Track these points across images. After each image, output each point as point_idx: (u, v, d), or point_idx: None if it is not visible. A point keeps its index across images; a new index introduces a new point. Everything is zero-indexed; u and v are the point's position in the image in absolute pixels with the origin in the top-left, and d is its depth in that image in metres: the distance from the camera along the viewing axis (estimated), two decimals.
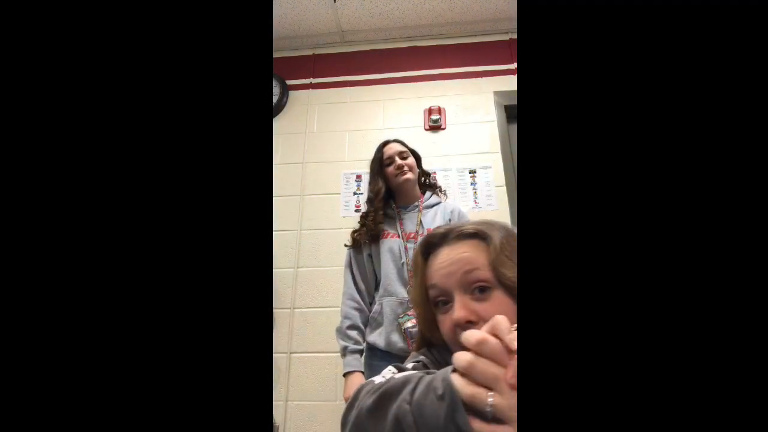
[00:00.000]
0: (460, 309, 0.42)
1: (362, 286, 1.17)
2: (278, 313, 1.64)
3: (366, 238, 1.16)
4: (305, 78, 2.12)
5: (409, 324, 1.04)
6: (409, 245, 1.14)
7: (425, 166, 1.83)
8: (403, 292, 1.09)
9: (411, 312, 1.04)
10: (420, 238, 1.15)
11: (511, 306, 0.41)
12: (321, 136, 1.98)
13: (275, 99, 2.03)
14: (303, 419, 1.50)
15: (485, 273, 0.43)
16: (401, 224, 1.18)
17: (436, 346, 0.50)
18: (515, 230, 0.48)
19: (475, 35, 2.12)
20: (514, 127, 1.93)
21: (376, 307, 1.13)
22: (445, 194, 1.34)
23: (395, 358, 1.04)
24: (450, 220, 1.20)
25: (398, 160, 1.22)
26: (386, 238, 1.15)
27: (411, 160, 1.25)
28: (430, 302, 0.47)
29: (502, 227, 0.47)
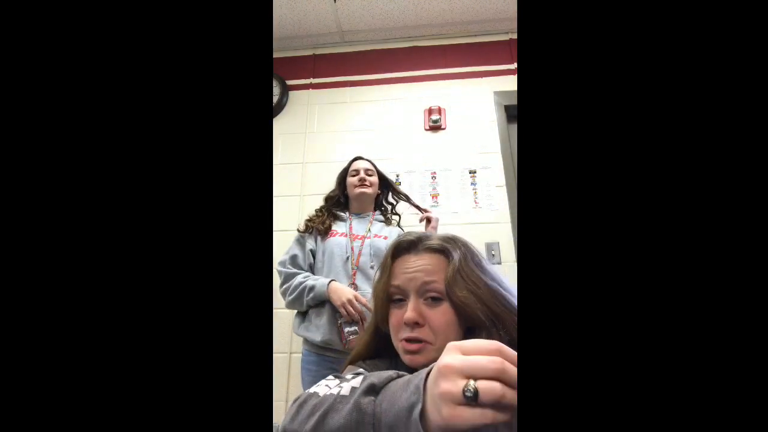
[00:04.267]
0: (412, 310, 0.50)
1: (301, 263, 1.25)
2: (278, 313, 1.64)
3: (318, 227, 1.28)
4: (305, 78, 2.12)
5: (346, 320, 1.11)
6: (355, 245, 1.25)
7: (424, 166, 1.85)
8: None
9: None
10: (367, 241, 1.24)
11: (454, 318, 0.49)
12: (321, 136, 1.98)
13: (275, 99, 2.03)
14: None
15: (440, 286, 0.50)
16: (351, 227, 1.31)
17: (373, 359, 0.57)
18: (473, 248, 0.56)
19: (475, 35, 2.12)
20: (514, 127, 1.93)
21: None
22: (398, 225, 1.44)
23: (330, 352, 1.13)
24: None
25: (362, 173, 1.36)
26: (334, 236, 1.27)
27: (374, 178, 1.38)
28: (388, 297, 0.54)
29: (463, 245, 0.55)
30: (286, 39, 2.13)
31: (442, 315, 0.49)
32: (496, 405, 0.26)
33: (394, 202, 1.48)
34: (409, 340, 0.49)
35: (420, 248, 0.55)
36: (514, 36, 2.10)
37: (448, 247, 0.53)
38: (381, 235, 1.31)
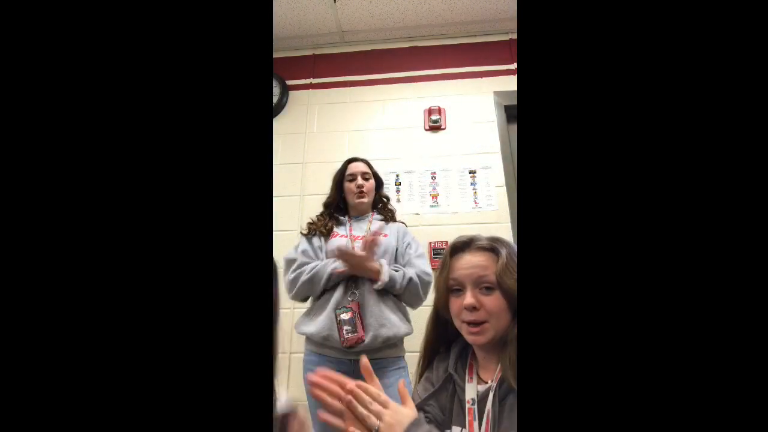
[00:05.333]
0: (470, 297, 0.62)
1: (312, 256, 1.28)
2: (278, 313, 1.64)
3: (320, 229, 1.31)
4: (305, 78, 2.12)
5: (344, 316, 1.13)
6: (356, 245, 1.26)
7: (424, 166, 1.85)
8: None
9: (348, 305, 1.16)
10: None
11: (504, 304, 0.61)
12: (321, 136, 1.98)
13: (275, 99, 2.03)
14: None
15: (492, 278, 0.62)
16: (351, 229, 1.34)
17: (436, 398, 0.66)
18: (514, 247, 0.66)
19: (475, 35, 2.12)
20: (514, 127, 1.93)
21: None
22: (394, 219, 1.45)
23: (330, 350, 1.14)
24: (398, 233, 1.35)
25: (359, 180, 1.36)
26: (335, 237, 1.29)
27: (371, 183, 1.39)
28: (447, 288, 0.66)
29: (507, 244, 0.66)
30: (286, 39, 2.13)
31: (494, 300, 0.61)
32: None
33: (389, 198, 1.50)
34: (470, 324, 0.61)
35: (473, 247, 0.66)
36: (514, 36, 2.10)
37: (496, 246, 0.65)
38: (381, 232, 1.31)
